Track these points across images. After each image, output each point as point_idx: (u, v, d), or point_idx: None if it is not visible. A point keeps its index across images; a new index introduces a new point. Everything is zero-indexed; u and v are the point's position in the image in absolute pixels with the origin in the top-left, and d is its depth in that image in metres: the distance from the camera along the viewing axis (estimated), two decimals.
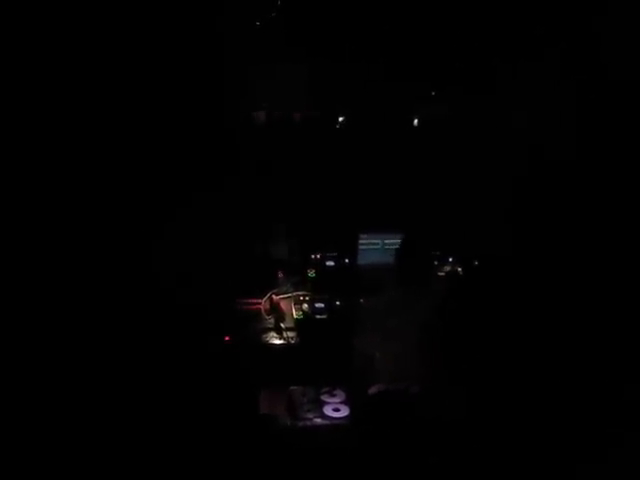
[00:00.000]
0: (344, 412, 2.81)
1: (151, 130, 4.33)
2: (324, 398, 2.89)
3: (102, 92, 4.05)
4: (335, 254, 4.45)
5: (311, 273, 4.30)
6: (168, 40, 4.44)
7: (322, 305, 3.99)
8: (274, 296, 4.02)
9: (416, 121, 5.42)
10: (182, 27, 4.46)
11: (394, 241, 4.37)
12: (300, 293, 4.14)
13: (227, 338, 3.63)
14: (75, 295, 3.62)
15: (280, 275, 4.25)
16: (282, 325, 3.79)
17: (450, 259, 4.55)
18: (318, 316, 3.93)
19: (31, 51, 3.66)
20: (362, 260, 4.45)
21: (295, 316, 3.92)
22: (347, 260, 4.45)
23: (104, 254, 3.79)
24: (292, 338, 3.71)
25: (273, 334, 3.74)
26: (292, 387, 2.96)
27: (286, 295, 4.11)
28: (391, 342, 3.20)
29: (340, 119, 5.25)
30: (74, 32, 3.82)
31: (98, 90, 4.06)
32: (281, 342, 3.68)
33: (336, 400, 2.89)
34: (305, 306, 3.99)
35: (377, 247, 4.46)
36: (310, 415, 2.79)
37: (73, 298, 3.59)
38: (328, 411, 2.81)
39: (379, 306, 3.35)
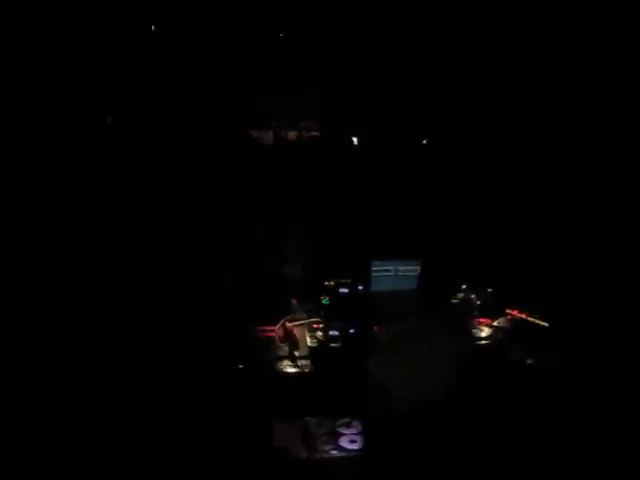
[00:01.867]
0: (360, 444, 2.79)
1: (157, 154, 4.38)
2: (340, 430, 2.87)
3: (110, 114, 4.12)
4: (348, 281, 4.45)
5: (325, 300, 4.30)
6: (177, 57, 4.50)
7: (336, 333, 3.98)
8: (288, 323, 4.02)
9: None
10: (192, 46, 4.53)
11: (407, 268, 4.37)
12: (314, 320, 4.13)
13: (241, 366, 3.62)
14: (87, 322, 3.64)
15: (293, 302, 4.24)
16: (296, 353, 3.78)
17: (464, 286, 4.54)
18: (332, 344, 3.92)
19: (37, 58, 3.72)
20: (375, 287, 4.44)
21: (309, 344, 3.91)
22: (360, 287, 4.44)
23: (119, 283, 3.81)
24: (306, 367, 3.70)
25: (287, 362, 3.73)
26: (307, 418, 2.94)
27: (300, 322, 4.10)
28: (409, 371, 3.20)
29: (354, 140, 5.27)
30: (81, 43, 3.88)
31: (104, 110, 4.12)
32: (295, 370, 3.67)
33: (352, 431, 2.87)
34: (319, 334, 3.99)
35: (390, 274, 4.45)
36: (326, 447, 2.77)
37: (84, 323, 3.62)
38: (344, 443, 2.79)
39: (398, 334, 3.33)
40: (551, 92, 4.53)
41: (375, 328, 3.88)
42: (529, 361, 3.78)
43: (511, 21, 4.55)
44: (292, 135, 5.36)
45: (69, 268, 3.78)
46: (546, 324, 4.08)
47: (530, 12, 4.38)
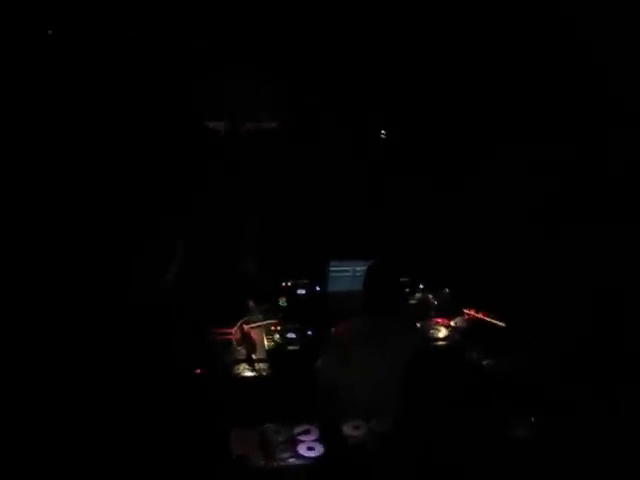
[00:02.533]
0: (318, 451, 2.76)
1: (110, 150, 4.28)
2: (299, 437, 2.84)
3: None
4: (306, 281, 4.43)
5: (282, 301, 4.27)
6: (130, 46, 4.40)
7: (294, 335, 3.95)
8: (245, 325, 3.97)
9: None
10: (145, 35, 4.43)
11: (364, 268, 4.35)
12: (271, 322, 4.09)
13: (198, 371, 3.56)
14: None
15: (250, 303, 4.19)
16: (253, 356, 3.73)
17: (421, 286, 4.56)
18: (290, 347, 3.89)
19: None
20: (333, 288, 4.42)
21: (267, 347, 3.87)
22: (318, 288, 4.42)
23: (73, 279, 3.72)
24: (264, 370, 3.66)
25: (245, 366, 3.67)
26: (266, 424, 2.90)
27: (257, 324, 4.06)
28: (358, 374, 3.18)
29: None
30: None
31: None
32: (253, 374, 3.62)
33: (310, 438, 2.84)
34: (277, 336, 3.95)
35: (348, 274, 4.43)
36: (285, 455, 2.73)
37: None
38: (302, 450, 2.75)
39: (346, 335, 3.31)
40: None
41: (332, 330, 3.85)
42: (485, 362, 3.81)
43: None
44: (249, 127, 5.30)
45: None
46: (503, 324, 4.12)
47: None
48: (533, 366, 3.64)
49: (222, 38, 4.69)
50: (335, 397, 3.19)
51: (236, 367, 3.66)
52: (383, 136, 5.48)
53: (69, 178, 4.16)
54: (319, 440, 2.82)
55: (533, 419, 3.00)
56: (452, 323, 4.26)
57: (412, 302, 4.44)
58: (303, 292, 4.37)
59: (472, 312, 4.33)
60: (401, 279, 4.08)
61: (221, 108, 5.07)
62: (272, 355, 3.78)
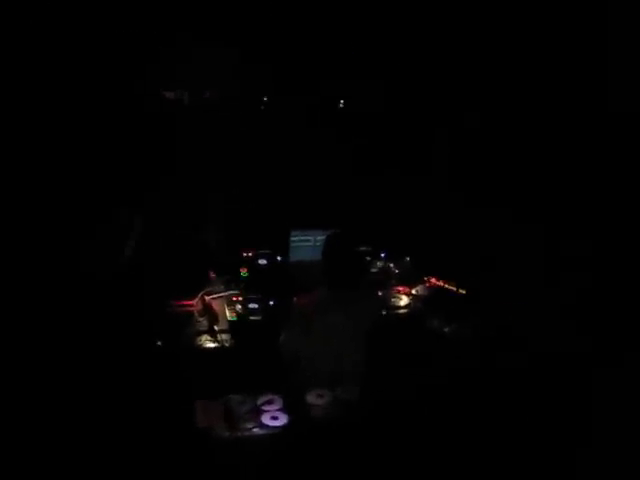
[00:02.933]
0: (282, 420, 2.77)
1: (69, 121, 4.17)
2: (262, 407, 2.84)
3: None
4: (267, 251, 4.40)
5: (243, 272, 4.24)
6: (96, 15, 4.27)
7: (256, 305, 3.94)
8: (206, 296, 3.93)
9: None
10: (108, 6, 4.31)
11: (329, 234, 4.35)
12: (233, 293, 4.06)
13: (159, 342, 3.52)
14: None
15: (211, 274, 4.15)
16: (216, 327, 3.71)
17: (382, 255, 4.57)
18: (252, 317, 3.87)
19: None
20: (294, 257, 4.41)
21: (229, 317, 3.84)
22: (279, 258, 4.40)
23: (29, 253, 3.63)
24: (226, 341, 3.64)
25: (207, 337, 3.65)
26: (230, 395, 2.89)
27: (218, 295, 4.02)
28: (321, 344, 3.19)
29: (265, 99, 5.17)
30: None
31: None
32: (215, 345, 3.61)
33: (274, 408, 2.84)
34: (238, 307, 3.93)
35: (309, 244, 4.43)
36: (249, 425, 2.73)
37: None
38: (266, 420, 2.76)
39: (308, 306, 3.31)
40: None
41: (294, 299, 3.85)
42: (446, 329, 3.85)
43: None
44: (209, 96, 5.22)
45: None
46: (464, 292, 4.16)
47: None
48: (490, 331, 3.71)
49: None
50: (299, 368, 3.20)
51: (198, 339, 3.63)
52: (341, 105, 5.44)
53: (28, 152, 4.04)
54: (283, 409, 2.82)
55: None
56: (413, 291, 4.29)
57: (373, 271, 4.45)
58: (264, 262, 4.35)
59: (433, 280, 4.36)
60: (361, 248, 4.11)
61: (183, 78, 4.97)
62: (234, 326, 3.76)
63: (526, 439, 2.79)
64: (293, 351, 3.21)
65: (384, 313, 3.93)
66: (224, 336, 3.65)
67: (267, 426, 2.74)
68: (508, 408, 2.93)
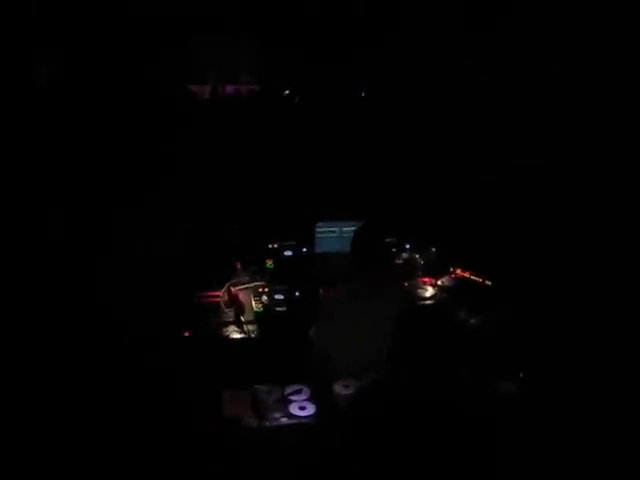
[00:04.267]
0: (310, 410, 2.78)
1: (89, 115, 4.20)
2: (290, 396, 2.85)
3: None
4: (293, 243, 4.42)
5: (269, 263, 4.26)
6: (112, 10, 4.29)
7: (282, 297, 3.94)
8: (232, 288, 3.96)
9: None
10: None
11: (351, 229, 4.34)
12: (259, 284, 4.08)
13: (187, 333, 3.56)
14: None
15: (237, 265, 4.18)
16: (242, 318, 3.74)
17: (407, 246, 4.55)
18: (278, 308, 3.89)
19: None
20: (320, 249, 4.41)
21: (255, 309, 3.86)
22: (305, 249, 4.41)
23: (57, 250, 3.68)
24: (253, 332, 3.67)
25: (233, 328, 3.68)
26: (257, 385, 2.91)
27: (245, 286, 4.05)
28: (350, 335, 3.19)
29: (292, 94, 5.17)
30: None
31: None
32: (242, 336, 3.63)
33: (302, 397, 2.86)
34: (265, 298, 3.94)
35: (334, 235, 4.42)
36: (276, 415, 2.75)
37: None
38: (294, 410, 2.77)
39: (337, 297, 3.31)
40: None
41: (320, 291, 3.85)
42: (472, 320, 3.83)
43: None
44: (230, 89, 5.23)
45: None
46: (489, 282, 4.14)
47: None
48: (519, 322, 3.68)
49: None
50: (327, 361, 3.20)
51: (224, 329, 3.66)
52: (363, 95, 5.43)
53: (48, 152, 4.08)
54: (310, 399, 2.84)
55: (521, 374, 3.04)
56: (439, 282, 4.27)
57: (398, 262, 4.44)
58: (290, 253, 4.36)
59: (459, 271, 4.34)
60: (387, 240, 4.10)
61: (204, 72, 4.99)
62: (260, 317, 3.78)
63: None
64: (323, 344, 3.22)
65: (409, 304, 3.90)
66: (250, 327, 3.67)
67: (295, 416, 2.75)
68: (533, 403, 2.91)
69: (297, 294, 3.98)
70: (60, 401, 3.07)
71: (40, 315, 3.54)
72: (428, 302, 4.11)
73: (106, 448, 2.78)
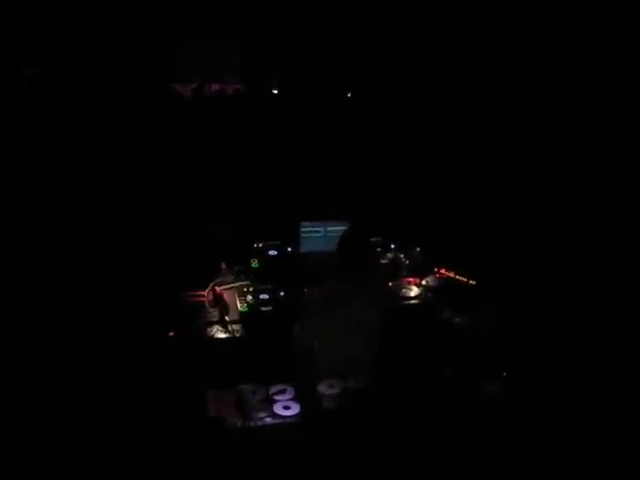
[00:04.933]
0: (294, 410, 2.78)
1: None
2: (274, 396, 2.85)
3: None
4: (277, 242, 4.42)
5: (254, 263, 4.26)
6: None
7: (267, 296, 3.95)
8: (217, 287, 3.95)
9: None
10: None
11: (336, 228, 4.36)
12: (244, 284, 4.08)
13: (171, 333, 3.54)
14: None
15: (222, 265, 4.17)
16: (227, 318, 3.73)
17: (392, 246, 4.57)
18: (263, 308, 3.89)
19: None
20: (305, 248, 4.42)
21: (240, 308, 3.86)
22: (290, 249, 4.41)
23: (40, 250, 3.66)
24: (237, 331, 3.66)
25: (218, 327, 3.67)
26: (241, 385, 2.90)
27: (229, 286, 4.04)
28: (335, 335, 3.20)
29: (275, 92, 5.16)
30: None
31: None
32: (226, 336, 3.62)
33: (286, 397, 2.85)
34: (249, 297, 3.94)
35: (319, 235, 4.43)
36: (261, 414, 2.74)
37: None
38: (278, 410, 2.77)
39: (322, 296, 3.32)
40: None
41: (305, 290, 3.85)
42: (456, 319, 3.85)
43: None
44: (214, 88, 5.21)
45: None
46: (473, 282, 4.16)
47: None
48: (503, 322, 3.70)
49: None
50: (312, 360, 3.21)
51: (209, 329, 3.65)
52: (349, 96, 5.43)
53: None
54: (295, 399, 2.84)
55: (504, 374, 3.05)
56: (423, 282, 4.29)
57: (383, 262, 4.45)
58: (275, 253, 4.36)
59: (443, 271, 4.36)
60: (372, 239, 4.12)
61: (188, 70, 4.97)
62: (245, 316, 3.77)
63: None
64: (307, 346, 3.22)
65: (394, 304, 3.93)
66: (235, 326, 3.67)
67: (279, 415, 2.75)
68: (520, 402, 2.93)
69: (282, 294, 3.98)
70: (46, 399, 3.06)
71: (29, 314, 3.52)
72: (413, 302, 4.12)
73: (90, 448, 2.77)
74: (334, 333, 3.18)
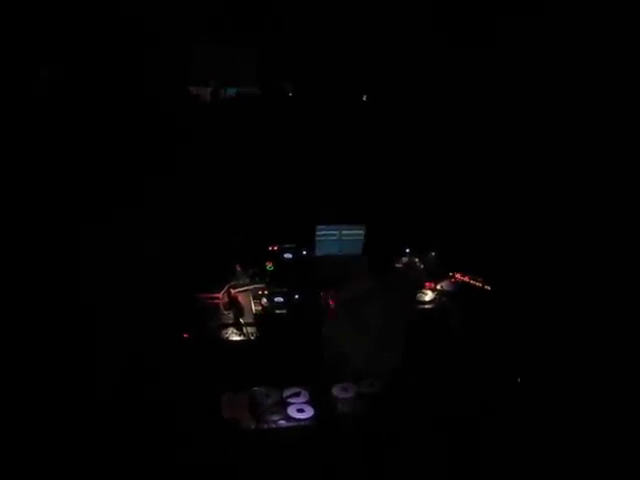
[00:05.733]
0: (308, 413, 2.78)
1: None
2: (288, 399, 2.85)
3: None
4: (293, 246, 4.41)
5: (269, 266, 4.25)
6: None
7: (281, 299, 3.94)
8: (232, 290, 3.96)
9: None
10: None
11: (351, 232, 4.35)
12: (259, 286, 4.07)
13: (186, 335, 3.55)
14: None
15: (237, 268, 4.18)
16: (241, 320, 3.73)
17: (407, 250, 4.55)
18: (278, 311, 3.88)
19: None
20: (320, 252, 4.41)
21: (254, 311, 3.86)
22: (305, 252, 4.41)
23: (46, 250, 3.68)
24: (252, 334, 3.66)
25: (232, 330, 3.67)
26: (255, 388, 2.91)
27: (244, 288, 4.04)
28: (362, 336, 3.19)
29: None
30: None
31: None
32: (241, 338, 3.63)
33: (300, 400, 2.86)
34: (264, 300, 3.94)
35: (334, 238, 4.42)
36: (275, 417, 2.75)
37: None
38: (292, 412, 2.77)
39: (351, 298, 3.32)
40: None
41: (321, 294, 3.85)
42: (471, 325, 3.83)
43: None
44: (231, 93, 5.22)
45: None
46: (489, 287, 4.14)
47: None
48: (517, 329, 3.68)
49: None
50: (343, 361, 3.21)
51: (224, 331, 3.65)
52: (365, 99, 5.42)
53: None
54: (309, 402, 2.84)
55: (519, 380, 3.04)
56: (438, 287, 4.27)
57: (398, 266, 4.44)
58: (290, 256, 4.35)
59: (458, 276, 4.34)
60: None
61: (204, 74, 4.98)
62: (260, 319, 3.77)
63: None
64: (337, 343, 3.22)
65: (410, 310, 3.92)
66: (250, 329, 3.67)
67: (293, 418, 2.75)
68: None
69: (297, 297, 3.97)
70: (58, 402, 3.07)
71: (38, 316, 3.54)
72: (428, 306, 4.11)
73: (104, 449, 2.78)
74: (364, 332, 3.18)
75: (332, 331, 3.24)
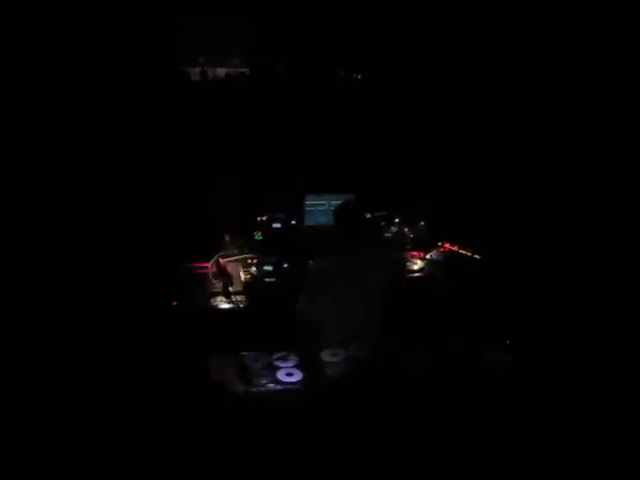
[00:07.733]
0: (297, 376, 2.78)
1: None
2: (277, 363, 2.85)
3: None
4: (281, 216, 4.41)
5: (258, 235, 4.26)
6: None
7: (270, 268, 3.95)
8: (221, 259, 3.95)
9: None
10: None
11: (340, 202, 4.34)
12: (247, 256, 4.09)
13: (175, 303, 3.55)
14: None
15: (226, 238, 4.17)
16: (230, 289, 3.73)
17: (396, 220, 4.56)
18: (266, 279, 3.89)
19: None
20: (309, 221, 4.42)
21: (243, 279, 3.87)
22: (294, 222, 4.41)
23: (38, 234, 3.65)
24: (241, 302, 3.67)
25: (221, 298, 3.68)
26: (244, 353, 2.91)
27: (233, 258, 4.05)
28: (340, 304, 3.20)
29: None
30: None
31: None
32: (230, 306, 3.63)
33: (289, 364, 2.86)
34: (253, 269, 3.94)
35: (323, 208, 4.43)
36: (264, 381, 2.75)
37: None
38: (281, 376, 2.77)
39: (328, 267, 3.32)
40: None
41: (309, 262, 3.85)
42: (459, 292, 3.85)
43: None
44: (220, 72, 5.22)
45: None
46: (478, 256, 4.16)
47: None
48: (505, 294, 3.70)
49: None
50: (317, 331, 3.22)
51: (213, 299, 3.66)
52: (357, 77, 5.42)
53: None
54: (298, 366, 2.84)
55: (508, 342, 3.05)
56: (427, 256, 4.28)
57: (387, 235, 4.45)
58: (279, 226, 4.35)
59: (447, 245, 4.35)
60: (376, 213, 4.13)
61: (193, 54, 4.96)
62: (249, 287, 3.77)
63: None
64: (310, 316, 3.23)
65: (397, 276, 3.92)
66: (239, 297, 3.67)
67: (282, 382, 2.75)
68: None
69: (285, 265, 3.98)
70: (46, 371, 3.06)
71: (26, 287, 3.52)
72: (416, 274, 4.12)
73: (90, 417, 2.77)
74: (337, 303, 3.19)
75: (306, 302, 3.24)
